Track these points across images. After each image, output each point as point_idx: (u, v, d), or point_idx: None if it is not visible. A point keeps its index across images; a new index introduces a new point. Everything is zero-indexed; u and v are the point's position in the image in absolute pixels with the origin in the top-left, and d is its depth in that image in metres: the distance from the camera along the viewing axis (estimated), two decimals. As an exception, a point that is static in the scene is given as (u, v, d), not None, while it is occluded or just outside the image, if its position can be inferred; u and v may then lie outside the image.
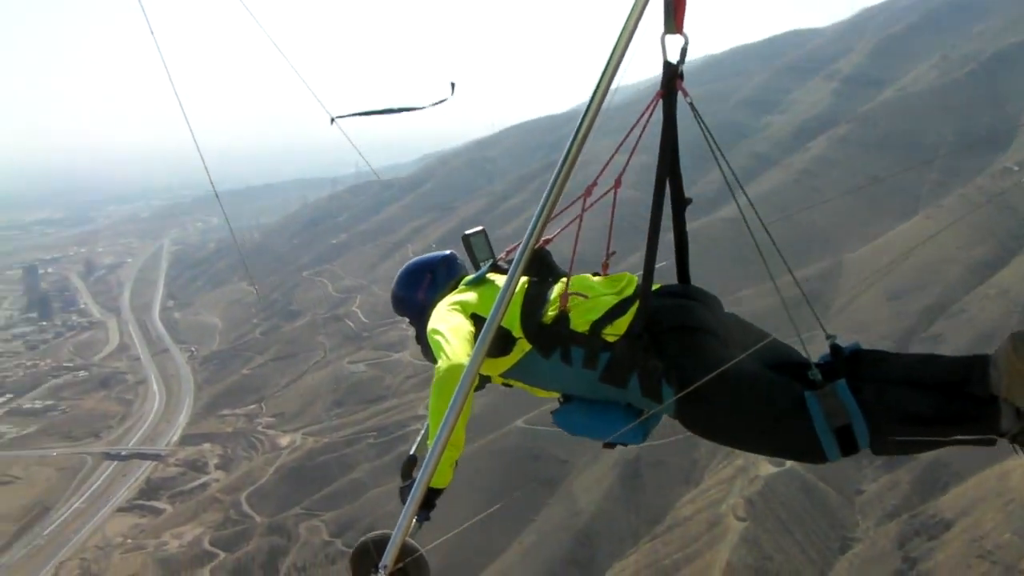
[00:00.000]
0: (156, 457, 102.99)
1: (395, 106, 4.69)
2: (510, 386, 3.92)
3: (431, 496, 3.52)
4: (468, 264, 4.38)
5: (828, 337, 3.28)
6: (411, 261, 4.33)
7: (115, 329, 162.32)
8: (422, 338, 3.87)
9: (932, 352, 3.22)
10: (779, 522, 55.69)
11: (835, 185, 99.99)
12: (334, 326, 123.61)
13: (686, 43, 3.12)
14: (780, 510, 56.64)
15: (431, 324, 3.71)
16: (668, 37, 3.07)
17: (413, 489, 3.45)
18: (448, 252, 4.35)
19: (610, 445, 3.55)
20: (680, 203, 3.59)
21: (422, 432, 4.00)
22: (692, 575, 56.44)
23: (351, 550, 3.86)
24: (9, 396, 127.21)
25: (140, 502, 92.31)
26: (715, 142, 3.38)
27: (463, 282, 4.04)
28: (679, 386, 3.20)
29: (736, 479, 57.99)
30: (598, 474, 75.17)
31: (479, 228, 4.33)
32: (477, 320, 3.63)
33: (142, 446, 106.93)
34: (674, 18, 3.02)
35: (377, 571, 3.54)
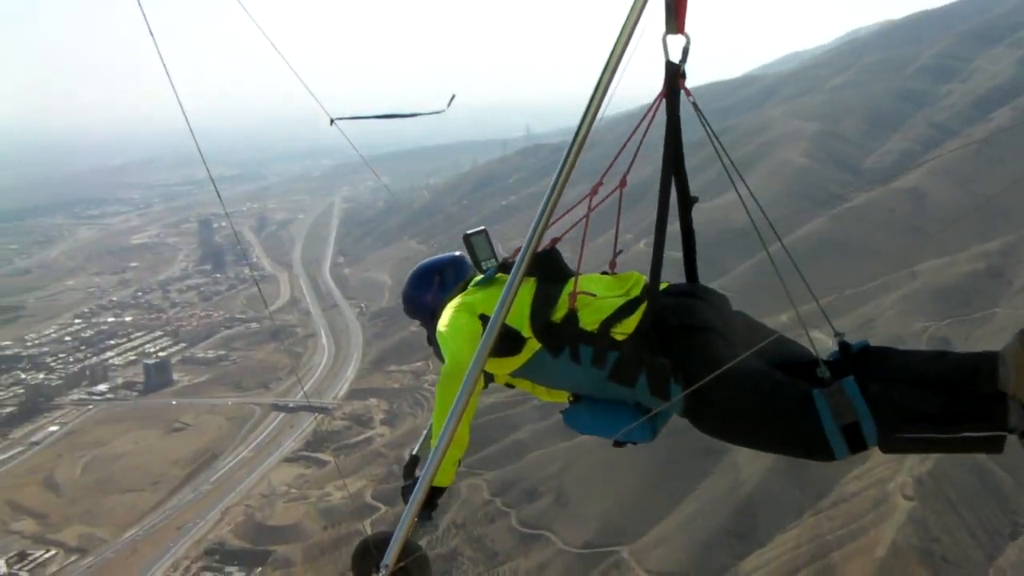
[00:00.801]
0: (323, 410, 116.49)
1: (395, 112, 5.38)
2: (512, 387, 4.48)
3: (433, 495, 3.96)
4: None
5: (836, 335, 3.71)
6: (420, 263, 4.89)
7: (286, 283, 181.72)
8: (433, 340, 4.36)
9: (942, 349, 3.60)
10: (948, 503, 57.46)
11: (1018, 157, 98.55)
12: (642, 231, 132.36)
13: (688, 43, 3.57)
14: (950, 491, 58.24)
15: (439, 325, 4.20)
16: (670, 37, 3.53)
17: (415, 489, 3.90)
18: (456, 254, 4.90)
19: (619, 444, 4.00)
20: (686, 202, 4.19)
21: (425, 432, 4.49)
22: (855, 553, 59.10)
23: (352, 549, 4.25)
24: (183, 345, 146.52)
25: (305, 453, 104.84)
26: (718, 140, 3.94)
27: (472, 283, 4.46)
28: (686, 384, 3.59)
29: (906, 457, 58.69)
30: None
31: (480, 228, 4.87)
32: (485, 321, 3.94)
33: (310, 399, 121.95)
34: (675, 18, 3.45)
35: (378, 570, 3.95)
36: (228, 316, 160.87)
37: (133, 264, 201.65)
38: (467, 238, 4.85)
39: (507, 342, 3.99)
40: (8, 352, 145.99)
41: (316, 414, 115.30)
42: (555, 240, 4.33)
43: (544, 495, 78.15)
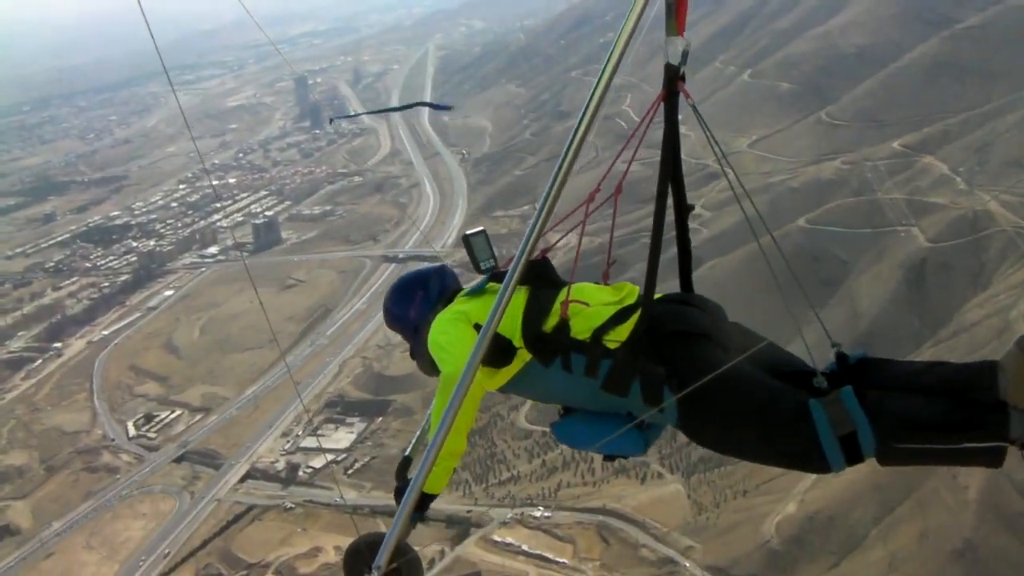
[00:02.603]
0: (433, 258, 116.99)
1: (391, 105, 5.50)
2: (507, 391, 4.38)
3: (424, 503, 3.99)
4: (461, 271, 4.93)
5: (833, 345, 3.65)
6: (403, 275, 4.79)
7: (386, 135, 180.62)
8: (417, 354, 4.42)
9: (940, 360, 3.56)
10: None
11: None
12: (604, 125, 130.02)
13: (687, 45, 3.57)
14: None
15: (433, 336, 4.15)
16: (669, 39, 3.55)
17: (407, 491, 3.91)
18: (440, 264, 4.80)
19: (610, 458, 4.06)
20: (683, 209, 3.99)
21: (417, 433, 4.66)
22: None
23: (344, 551, 4.28)
24: (288, 203, 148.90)
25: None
26: (718, 144, 3.83)
27: (460, 295, 4.42)
28: (680, 391, 3.57)
29: (1033, 282, 55.39)
30: (881, 275, 74.37)
31: (479, 228, 4.78)
32: (479, 330, 3.91)
33: (419, 248, 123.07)
34: (675, 20, 3.49)
35: (370, 572, 3.96)
36: (330, 171, 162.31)
37: (232, 126, 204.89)
38: (466, 238, 4.72)
39: (499, 353, 3.90)
40: (117, 221, 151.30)
41: (427, 263, 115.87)
42: (545, 250, 4.15)
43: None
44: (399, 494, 4.07)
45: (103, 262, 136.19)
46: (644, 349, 3.68)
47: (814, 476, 61.76)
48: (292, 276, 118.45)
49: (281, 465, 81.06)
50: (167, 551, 72.93)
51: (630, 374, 3.70)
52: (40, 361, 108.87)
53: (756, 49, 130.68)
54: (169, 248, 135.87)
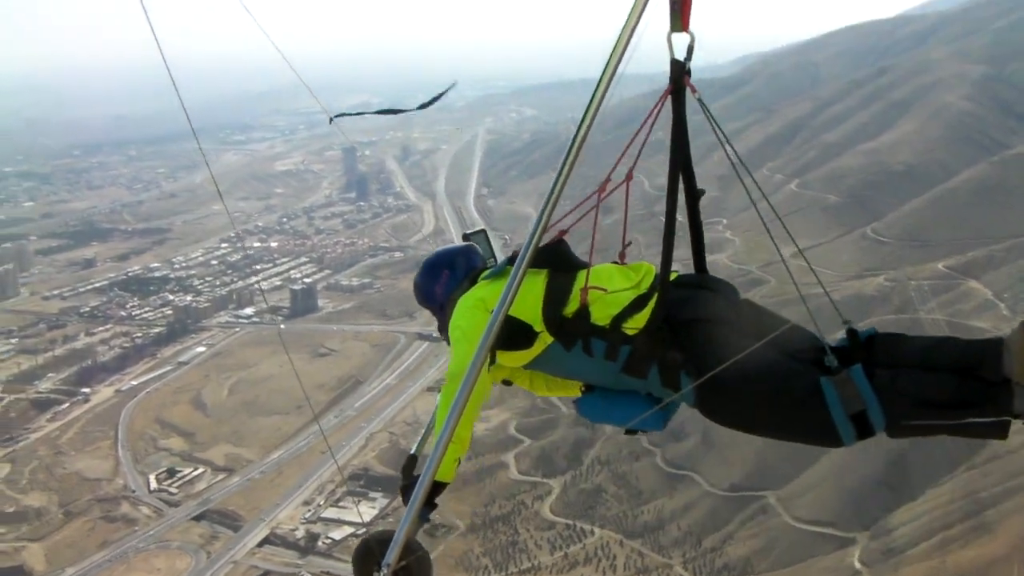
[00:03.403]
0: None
1: (394, 107, 5.88)
2: (509, 384, 4.81)
3: (434, 493, 4.14)
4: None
5: (844, 322, 3.88)
6: (432, 253, 5.01)
7: (430, 213, 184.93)
8: (444, 330, 4.59)
9: (948, 335, 3.78)
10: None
11: None
12: (648, 223, 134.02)
13: (692, 41, 3.72)
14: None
15: (452, 323, 4.40)
16: (675, 35, 3.69)
17: (416, 488, 4.07)
18: (467, 244, 5.03)
19: (631, 432, 4.30)
20: (693, 195, 4.23)
21: (423, 431, 4.83)
22: (1013, 511, 57.82)
23: (354, 549, 4.45)
24: (327, 272, 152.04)
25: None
26: (724, 135, 4.07)
27: (482, 276, 4.61)
28: (697, 377, 3.80)
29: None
30: None
31: (479, 228, 5.08)
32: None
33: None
34: (680, 16, 3.61)
35: (380, 570, 4.13)
36: (372, 244, 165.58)
37: (278, 190, 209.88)
38: (466, 238, 5.03)
39: (519, 336, 4.15)
40: (156, 273, 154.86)
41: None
42: (563, 232, 4.37)
43: (690, 436, 78.21)
44: (406, 492, 4.25)
45: (138, 312, 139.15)
46: (661, 335, 3.94)
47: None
48: (325, 345, 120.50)
49: (300, 533, 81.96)
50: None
51: (649, 359, 3.97)
52: (67, 404, 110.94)
53: (805, 160, 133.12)
54: (205, 305, 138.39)
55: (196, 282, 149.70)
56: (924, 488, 64.90)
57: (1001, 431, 3.54)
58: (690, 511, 74.79)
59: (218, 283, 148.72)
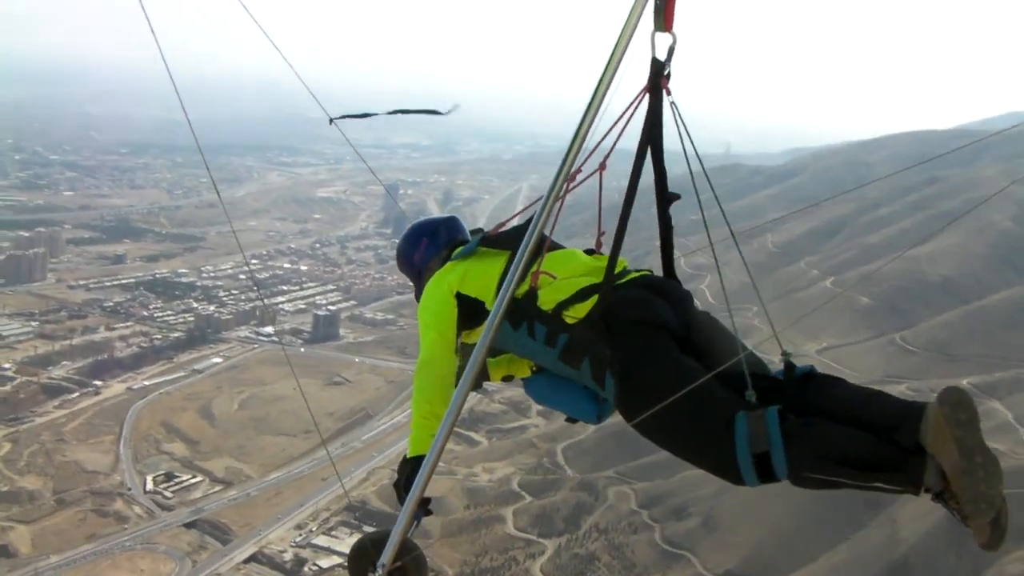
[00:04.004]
0: (483, 391, 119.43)
1: (397, 109, 5.81)
2: (509, 379, 4.94)
3: (426, 500, 4.28)
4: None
5: (783, 353, 3.91)
6: (416, 221, 5.22)
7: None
8: (418, 297, 4.81)
9: (882, 391, 3.77)
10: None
11: None
12: (636, 217, 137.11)
13: (674, 42, 3.80)
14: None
15: (421, 306, 4.63)
16: (658, 35, 3.78)
17: (412, 488, 4.21)
18: (451, 215, 5.22)
19: (571, 420, 4.49)
20: (664, 199, 4.38)
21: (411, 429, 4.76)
22: None
23: (350, 548, 4.55)
24: (353, 303, 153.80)
25: (459, 430, 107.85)
26: (692, 143, 4.07)
27: (453, 255, 4.74)
28: (619, 377, 3.91)
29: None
30: (928, 507, 75.03)
31: (479, 228, 5.09)
32: (460, 299, 4.47)
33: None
34: (664, 16, 3.71)
35: (375, 570, 4.22)
36: (401, 282, 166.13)
37: (316, 216, 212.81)
38: (472, 233, 5.16)
39: (472, 313, 4.46)
40: (183, 279, 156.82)
41: (476, 393, 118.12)
42: (519, 213, 4.66)
43: (692, 515, 78.04)
44: (401, 490, 4.33)
45: (160, 314, 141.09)
46: (598, 330, 4.00)
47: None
48: (341, 374, 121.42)
49: (289, 556, 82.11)
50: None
51: (582, 351, 4.04)
52: (77, 394, 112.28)
53: (843, 258, 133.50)
54: (227, 317, 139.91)
55: (221, 294, 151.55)
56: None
57: (912, 486, 3.50)
58: (681, 592, 74.61)
59: (243, 298, 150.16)
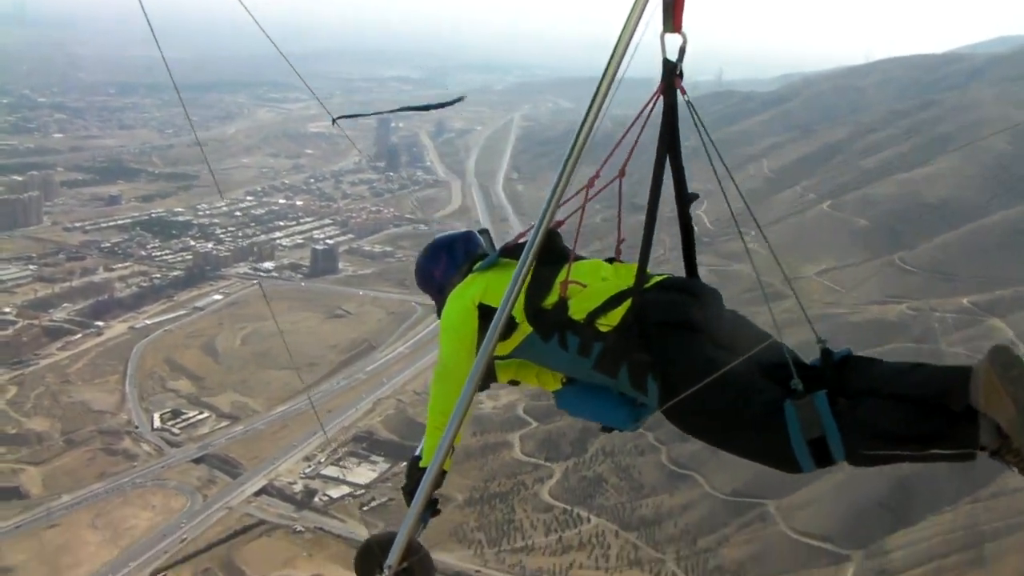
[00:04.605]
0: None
1: (402, 106, 6.03)
2: (516, 383, 4.85)
3: (437, 482, 4.24)
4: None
5: (819, 342, 3.83)
6: (434, 238, 5.08)
7: (458, 191, 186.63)
8: (441, 315, 4.67)
9: (921, 361, 3.69)
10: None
11: None
12: (675, 226, 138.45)
13: (684, 42, 3.77)
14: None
15: (443, 316, 4.50)
16: (667, 36, 3.73)
17: (419, 488, 4.17)
18: (468, 231, 5.07)
19: (607, 429, 4.33)
20: (684, 199, 4.27)
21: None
22: (1012, 549, 58.81)
23: (357, 550, 4.53)
24: (350, 236, 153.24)
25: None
26: (711, 140, 4.05)
27: (475, 268, 4.62)
28: (662, 381, 3.80)
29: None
30: None
31: (483, 228, 5.11)
32: (483, 310, 4.28)
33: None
34: (672, 17, 3.66)
35: (382, 571, 4.21)
36: (397, 215, 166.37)
37: (308, 151, 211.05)
38: None
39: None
40: (180, 218, 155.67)
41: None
42: (559, 223, 4.31)
43: (698, 437, 78.90)
44: (409, 493, 4.31)
45: (158, 254, 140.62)
46: (633, 336, 3.90)
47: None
48: (342, 307, 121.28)
49: (298, 487, 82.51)
50: (183, 538, 75.35)
51: (618, 359, 3.94)
52: (80, 336, 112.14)
53: (839, 182, 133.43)
54: (226, 254, 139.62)
55: (218, 231, 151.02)
56: (925, 514, 65.19)
57: (967, 457, 3.45)
58: (688, 511, 75.06)
59: (240, 235, 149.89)
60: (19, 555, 72.62)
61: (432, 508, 4.37)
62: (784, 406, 3.56)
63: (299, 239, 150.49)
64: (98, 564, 71.77)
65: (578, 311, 4.04)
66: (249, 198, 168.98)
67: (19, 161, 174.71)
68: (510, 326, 4.14)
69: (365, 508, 79.32)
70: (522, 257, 3.91)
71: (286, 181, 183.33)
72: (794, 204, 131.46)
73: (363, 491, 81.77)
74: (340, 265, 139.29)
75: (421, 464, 4.38)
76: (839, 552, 67.05)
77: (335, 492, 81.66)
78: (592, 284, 4.16)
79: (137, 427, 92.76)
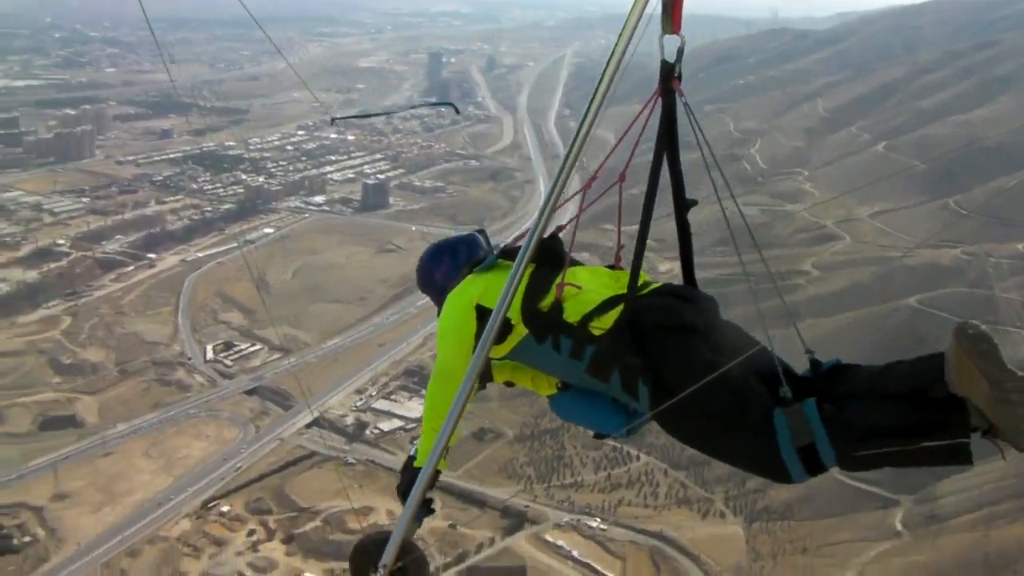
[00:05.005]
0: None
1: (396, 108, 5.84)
2: (511, 385, 4.79)
3: (431, 483, 4.26)
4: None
5: (807, 352, 3.79)
6: (435, 242, 5.06)
7: (510, 127, 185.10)
8: (439, 316, 4.63)
9: (899, 360, 3.65)
10: None
11: None
12: (730, 166, 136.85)
13: (682, 43, 3.76)
14: None
15: (440, 319, 4.48)
16: (665, 37, 3.75)
17: (413, 488, 4.17)
18: (469, 233, 5.04)
19: (600, 436, 4.28)
20: (682, 204, 4.18)
21: (421, 434, 4.71)
22: None
23: (351, 548, 4.54)
24: (401, 171, 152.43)
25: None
26: (707, 142, 4.00)
27: (474, 270, 4.56)
28: (653, 386, 3.74)
29: None
30: None
31: (480, 228, 5.17)
32: (481, 312, 4.23)
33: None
34: (671, 18, 3.69)
35: (376, 570, 4.21)
36: (448, 150, 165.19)
37: (359, 86, 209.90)
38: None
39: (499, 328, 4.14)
40: (231, 152, 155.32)
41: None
42: (560, 227, 4.33)
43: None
44: (402, 493, 4.30)
45: (210, 187, 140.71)
46: (626, 339, 3.84)
47: (878, 548, 62.59)
48: (392, 241, 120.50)
49: (350, 420, 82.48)
50: (237, 466, 75.94)
51: (610, 362, 3.87)
52: (132, 268, 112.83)
53: (895, 123, 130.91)
54: (277, 188, 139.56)
55: (270, 165, 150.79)
56: (977, 461, 63.92)
57: (961, 455, 3.31)
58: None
59: (291, 169, 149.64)
60: (76, 482, 73.36)
61: (427, 508, 4.28)
62: (774, 414, 3.51)
63: (350, 173, 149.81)
64: (152, 492, 72.17)
65: (573, 313, 3.99)
66: (300, 132, 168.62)
67: (72, 95, 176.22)
68: (506, 328, 4.08)
69: (415, 441, 79.02)
70: (517, 259, 3.88)
71: (337, 115, 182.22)
72: (849, 145, 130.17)
73: (414, 425, 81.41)
74: (391, 200, 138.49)
75: (416, 464, 4.34)
76: (888, 496, 66.49)
77: (386, 425, 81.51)
78: (588, 287, 4.11)
79: (190, 358, 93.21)
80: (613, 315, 3.91)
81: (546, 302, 4.06)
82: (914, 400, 3.38)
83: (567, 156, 3.87)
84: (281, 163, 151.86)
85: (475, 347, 4.09)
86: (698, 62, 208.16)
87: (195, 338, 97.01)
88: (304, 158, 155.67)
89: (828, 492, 67.45)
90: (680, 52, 3.81)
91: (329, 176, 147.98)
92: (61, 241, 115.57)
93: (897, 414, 3.37)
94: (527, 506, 71.73)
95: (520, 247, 4.07)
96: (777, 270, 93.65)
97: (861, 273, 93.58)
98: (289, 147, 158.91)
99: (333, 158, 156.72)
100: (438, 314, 4.63)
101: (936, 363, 3.36)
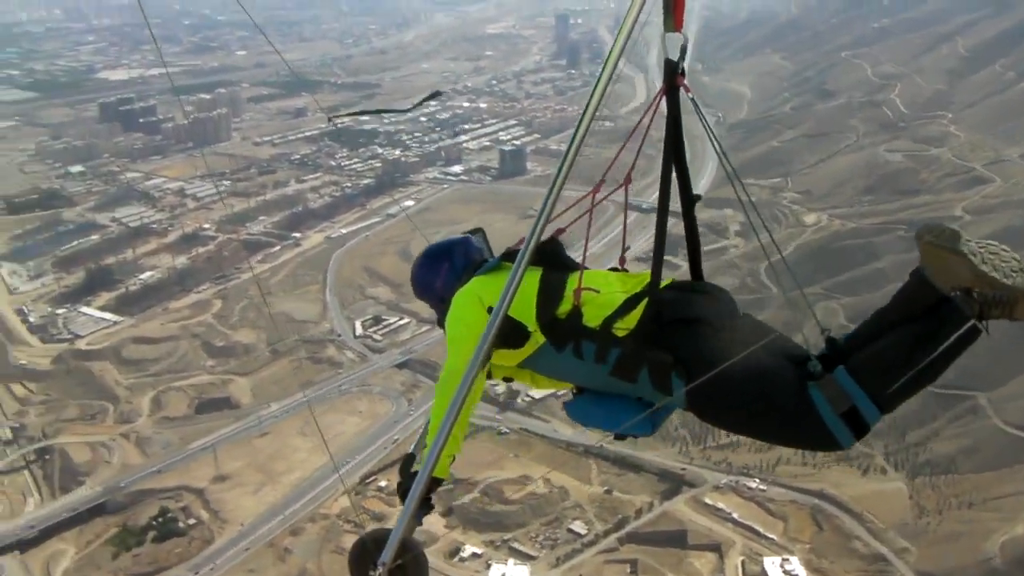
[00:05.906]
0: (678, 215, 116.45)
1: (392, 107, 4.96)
2: (510, 380, 4.59)
3: (431, 488, 4.18)
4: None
5: (823, 331, 3.83)
6: (429, 246, 4.96)
7: (642, 85, 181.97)
8: (443, 323, 4.54)
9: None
10: None
11: None
12: (870, 111, 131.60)
13: (685, 41, 3.76)
14: None
15: (449, 319, 4.37)
16: (668, 36, 3.73)
17: (413, 486, 4.12)
18: (464, 236, 4.95)
19: (620, 437, 4.18)
20: (688, 200, 4.20)
21: (422, 432, 4.66)
22: None
23: (350, 547, 4.46)
24: (536, 136, 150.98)
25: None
26: (716, 138, 4.13)
27: (477, 273, 4.52)
28: (687, 379, 3.70)
29: None
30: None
31: (478, 228, 5.04)
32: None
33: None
34: (673, 17, 3.69)
35: (375, 568, 4.17)
36: (582, 112, 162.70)
37: (488, 53, 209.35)
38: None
39: (514, 335, 4.08)
40: (367, 128, 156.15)
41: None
42: (559, 231, 4.45)
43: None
44: (403, 491, 4.21)
45: (348, 163, 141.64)
46: (651, 337, 3.79)
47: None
48: (533, 207, 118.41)
49: (501, 389, 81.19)
50: (395, 439, 75.92)
51: (638, 362, 3.82)
52: (278, 248, 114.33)
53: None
54: (414, 160, 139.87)
55: (404, 138, 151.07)
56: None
57: (972, 335, 3.43)
58: (897, 404, 72.17)
59: (427, 140, 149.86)
60: (235, 462, 74.63)
61: (427, 507, 4.24)
62: (808, 388, 3.58)
63: (485, 141, 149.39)
64: (310, 470, 72.52)
65: (593, 318, 3.97)
66: (432, 103, 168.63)
67: (205, 80, 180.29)
68: (523, 336, 4.07)
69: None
70: (517, 260, 3.90)
71: (468, 84, 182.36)
72: (993, 84, 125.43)
73: (564, 392, 79.80)
74: (528, 165, 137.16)
75: (413, 468, 4.33)
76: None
77: (537, 393, 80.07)
78: (605, 290, 4.09)
79: (340, 335, 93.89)
80: (636, 315, 3.87)
81: (563, 309, 4.01)
82: (912, 318, 3.49)
83: (566, 156, 3.87)
84: (416, 135, 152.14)
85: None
86: (832, 7, 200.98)
87: (344, 314, 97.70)
88: (438, 128, 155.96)
89: (992, 443, 66.09)
90: (683, 50, 3.77)
91: (465, 145, 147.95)
92: (207, 225, 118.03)
93: (904, 333, 3.47)
94: (684, 469, 70.97)
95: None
96: (928, 215, 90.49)
97: (1014, 215, 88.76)
98: (423, 118, 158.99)
99: (467, 127, 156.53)
100: (438, 321, 4.58)
101: (915, 278, 3.51)
